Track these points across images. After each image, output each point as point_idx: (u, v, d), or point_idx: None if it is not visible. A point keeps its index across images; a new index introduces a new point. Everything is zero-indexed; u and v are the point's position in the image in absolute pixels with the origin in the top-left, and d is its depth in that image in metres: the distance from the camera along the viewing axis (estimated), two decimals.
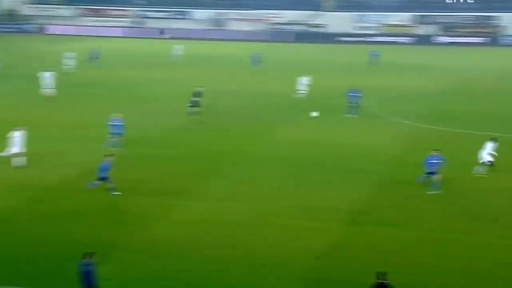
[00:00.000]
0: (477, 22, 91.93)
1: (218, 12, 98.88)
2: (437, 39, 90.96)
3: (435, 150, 27.22)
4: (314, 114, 29.38)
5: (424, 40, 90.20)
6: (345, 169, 29.67)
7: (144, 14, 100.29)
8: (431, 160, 26.82)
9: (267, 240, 21.65)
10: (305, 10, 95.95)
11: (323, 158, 31.49)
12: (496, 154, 29.25)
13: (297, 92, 47.26)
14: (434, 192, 25.99)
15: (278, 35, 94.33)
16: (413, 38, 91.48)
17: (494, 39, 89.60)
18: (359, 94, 41.28)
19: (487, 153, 29.19)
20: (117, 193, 25.34)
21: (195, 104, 40.20)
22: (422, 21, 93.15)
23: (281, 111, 42.79)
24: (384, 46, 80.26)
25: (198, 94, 40.84)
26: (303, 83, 47.58)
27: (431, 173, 26.56)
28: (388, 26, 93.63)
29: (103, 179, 25.53)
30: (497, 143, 29.48)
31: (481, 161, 29.11)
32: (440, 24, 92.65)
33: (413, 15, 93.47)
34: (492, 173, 28.77)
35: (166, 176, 28.22)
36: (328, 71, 60.58)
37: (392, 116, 41.15)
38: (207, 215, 23.82)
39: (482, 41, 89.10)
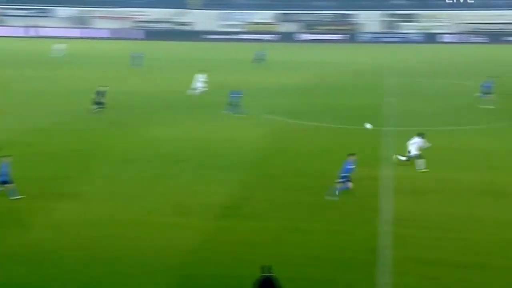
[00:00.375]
0: (336, 20, 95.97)
1: (82, 10, 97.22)
2: (299, 36, 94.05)
3: (351, 154, 26.15)
4: (368, 126, 28.36)
5: (287, 37, 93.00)
6: (216, 165, 30.28)
7: (4, 12, 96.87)
8: (347, 165, 25.63)
9: (136, 239, 21.71)
10: (171, 8, 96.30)
11: (196, 155, 32.01)
12: (429, 145, 30.05)
13: (194, 89, 47.89)
14: (332, 198, 25.41)
15: (145, 33, 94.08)
16: (276, 36, 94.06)
17: (352, 36, 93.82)
18: (240, 94, 42.31)
19: (414, 147, 29.75)
20: (18, 196, 24.79)
21: (99, 103, 40.96)
22: (285, 19, 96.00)
23: (165, 109, 43.24)
24: (251, 44, 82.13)
25: (101, 93, 41.29)
26: (200, 80, 48.30)
27: (346, 178, 25.42)
28: (253, 24, 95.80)
29: (4, 182, 24.79)
30: (424, 138, 30.08)
31: (408, 156, 29.79)
32: (302, 22, 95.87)
33: (276, 13, 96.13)
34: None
35: (36, 178, 27.64)
36: (212, 69, 61.20)
37: (264, 112, 42.36)
38: (77, 216, 23.63)
39: (341, 38, 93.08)
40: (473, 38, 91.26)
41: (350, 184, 25.51)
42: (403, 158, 30.00)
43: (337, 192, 25.45)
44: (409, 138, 30.94)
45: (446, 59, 72.82)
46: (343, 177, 25.49)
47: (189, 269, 19.85)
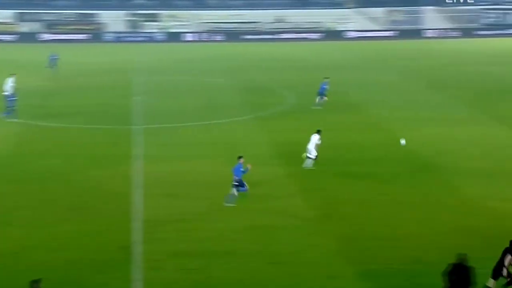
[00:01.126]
0: (80, 20, 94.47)
1: None
2: (41, 36, 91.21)
3: (239, 157, 25.72)
4: (403, 142, 26.88)
5: (28, 37, 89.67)
6: None
7: None
8: (238, 169, 25.33)
9: None
10: None
11: None
12: (318, 145, 29.91)
13: (6, 93, 44.41)
14: (232, 205, 25.01)
15: None
16: (16, 36, 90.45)
17: (96, 35, 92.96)
18: (13, 97, 40.58)
19: (313, 146, 29.68)
20: None
21: None
22: (24, 18, 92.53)
23: None
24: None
25: None
26: (10, 84, 44.88)
27: (239, 182, 25.24)
28: None
29: None
30: (320, 136, 30.12)
31: (307, 155, 29.63)
32: (43, 22, 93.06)
33: (14, 12, 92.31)
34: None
35: None
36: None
37: (15, 117, 40.78)
38: None
39: (85, 38, 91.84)
40: (213, 37, 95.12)
41: (246, 187, 25.34)
42: (312, 157, 29.79)
43: (236, 195, 25.14)
44: (159, 135, 31.65)
45: (190, 57, 74.95)
46: (238, 182, 25.19)
47: None
